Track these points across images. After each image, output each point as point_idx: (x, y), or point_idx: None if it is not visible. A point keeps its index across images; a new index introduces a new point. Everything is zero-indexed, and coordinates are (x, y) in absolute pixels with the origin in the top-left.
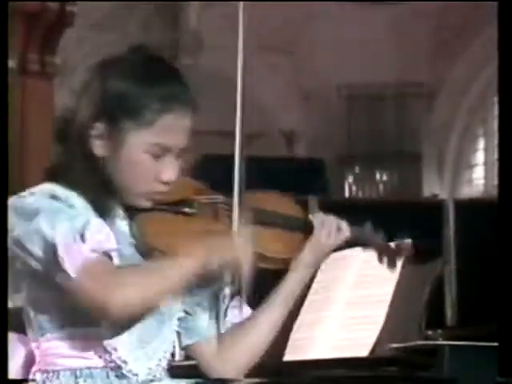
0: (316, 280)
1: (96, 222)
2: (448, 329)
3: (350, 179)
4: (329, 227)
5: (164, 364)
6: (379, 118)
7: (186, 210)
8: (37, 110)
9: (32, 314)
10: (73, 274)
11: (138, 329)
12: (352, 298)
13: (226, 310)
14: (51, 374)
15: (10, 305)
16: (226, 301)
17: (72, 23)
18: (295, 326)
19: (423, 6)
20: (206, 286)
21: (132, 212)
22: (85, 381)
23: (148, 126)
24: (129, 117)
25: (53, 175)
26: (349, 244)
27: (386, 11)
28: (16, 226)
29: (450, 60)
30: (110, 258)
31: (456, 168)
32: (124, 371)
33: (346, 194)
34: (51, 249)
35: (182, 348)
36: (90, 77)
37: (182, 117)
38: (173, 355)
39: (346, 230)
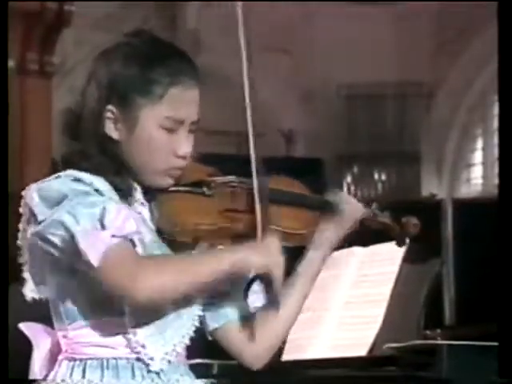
0: None
1: (113, 207)
2: (446, 328)
3: (349, 179)
4: (351, 205)
5: (180, 349)
6: (378, 117)
7: (205, 190)
8: (36, 110)
9: (60, 302)
10: (95, 263)
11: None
12: (350, 298)
13: (247, 293)
14: (78, 363)
15: (36, 296)
16: (247, 284)
17: (70, 23)
18: (294, 326)
19: (423, 5)
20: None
21: (151, 195)
22: (110, 372)
23: (158, 100)
24: (139, 94)
25: (69, 164)
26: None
27: (385, 11)
28: (39, 214)
29: (449, 60)
30: (132, 241)
31: (455, 167)
32: (142, 356)
33: None
34: (72, 239)
35: (210, 333)
36: (94, 65)
37: (191, 89)
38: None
39: (361, 208)
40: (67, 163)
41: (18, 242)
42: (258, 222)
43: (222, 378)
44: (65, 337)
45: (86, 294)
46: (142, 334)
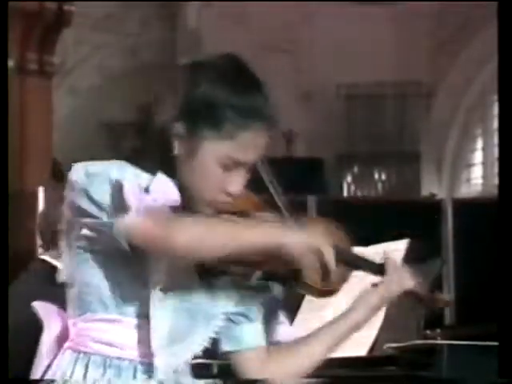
0: (307, 298)
1: (161, 176)
2: (446, 328)
3: (349, 178)
4: (400, 275)
5: (185, 365)
6: (378, 117)
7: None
8: (36, 110)
9: (77, 290)
10: (137, 216)
11: (171, 324)
12: (351, 298)
13: (271, 326)
14: (82, 356)
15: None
16: (273, 317)
17: (70, 23)
18: (294, 326)
19: (423, 5)
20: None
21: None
22: (112, 371)
23: (226, 139)
24: (209, 126)
25: (131, 157)
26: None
27: (385, 11)
28: (82, 184)
29: (449, 60)
30: (175, 209)
31: (454, 167)
32: (150, 363)
33: (345, 194)
34: (118, 191)
35: (221, 353)
36: (180, 76)
37: (261, 134)
38: None
39: (411, 281)
40: (132, 155)
41: (59, 227)
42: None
43: (222, 378)
44: (74, 325)
45: (108, 287)
46: (155, 343)
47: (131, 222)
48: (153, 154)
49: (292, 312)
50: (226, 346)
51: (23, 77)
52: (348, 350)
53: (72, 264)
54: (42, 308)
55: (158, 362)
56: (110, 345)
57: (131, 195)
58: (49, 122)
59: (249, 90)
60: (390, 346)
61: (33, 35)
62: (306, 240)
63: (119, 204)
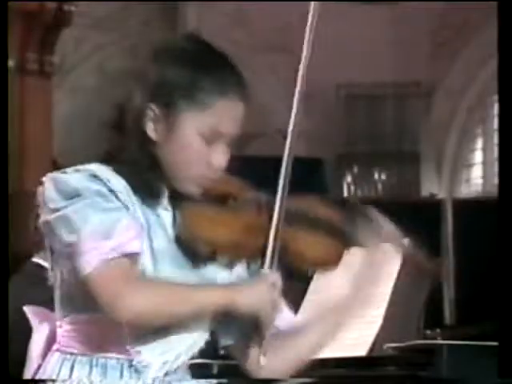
0: (314, 279)
1: (126, 220)
2: (446, 328)
3: (349, 178)
4: (392, 241)
5: (185, 359)
6: (378, 117)
7: (230, 203)
8: (36, 110)
9: (58, 293)
10: (86, 270)
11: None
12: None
13: None
14: (68, 357)
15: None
16: None
17: (70, 22)
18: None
19: (423, 5)
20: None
21: (177, 201)
22: (99, 370)
23: (203, 109)
24: (184, 99)
25: (107, 158)
26: None
27: (385, 11)
28: (50, 202)
29: (448, 60)
30: (133, 260)
31: (454, 167)
32: (135, 362)
33: (345, 194)
34: (76, 240)
35: (222, 348)
36: (144, 64)
37: (236, 104)
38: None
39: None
40: (104, 158)
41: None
42: (268, 253)
43: (222, 378)
44: (60, 327)
45: (82, 289)
46: (139, 340)
47: (85, 273)
48: (131, 144)
49: (294, 301)
50: (225, 341)
51: (23, 77)
52: (348, 350)
53: (54, 265)
54: (31, 312)
55: (147, 358)
56: (96, 344)
57: (88, 241)
58: (49, 122)
59: (218, 62)
60: (389, 345)
61: (33, 35)
62: (251, 302)
63: (75, 255)
